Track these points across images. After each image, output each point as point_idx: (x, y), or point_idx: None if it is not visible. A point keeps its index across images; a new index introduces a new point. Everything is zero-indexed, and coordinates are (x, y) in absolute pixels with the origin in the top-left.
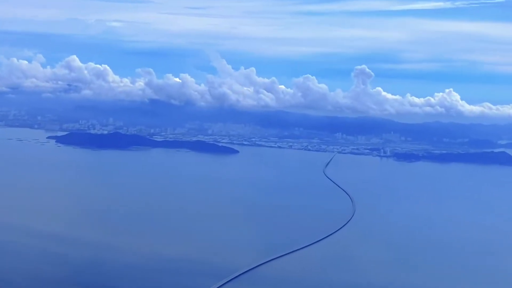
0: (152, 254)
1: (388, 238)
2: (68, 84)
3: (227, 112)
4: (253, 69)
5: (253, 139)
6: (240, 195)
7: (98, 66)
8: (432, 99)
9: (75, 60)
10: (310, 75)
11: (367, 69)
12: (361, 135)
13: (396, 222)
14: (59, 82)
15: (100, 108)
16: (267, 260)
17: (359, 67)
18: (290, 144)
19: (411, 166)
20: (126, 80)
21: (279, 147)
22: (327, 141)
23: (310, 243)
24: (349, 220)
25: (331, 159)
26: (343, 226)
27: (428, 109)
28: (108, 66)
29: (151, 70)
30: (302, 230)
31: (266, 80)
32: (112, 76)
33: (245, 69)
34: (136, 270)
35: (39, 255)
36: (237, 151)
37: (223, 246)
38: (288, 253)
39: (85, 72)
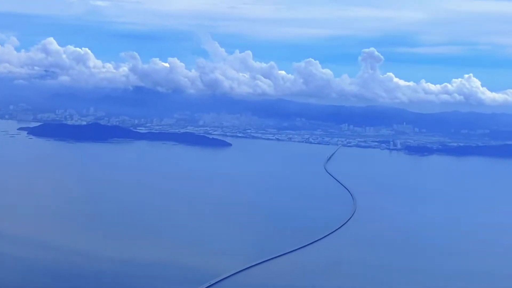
0: (126, 258)
1: (387, 241)
2: (44, 70)
3: (219, 101)
4: (249, 52)
5: (249, 130)
6: (230, 193)
7: (78, 49)
8: (449, 86)
9: (52, 43)
10: (313, 59)
11: (376, 52)
12: (369, 126)
13: (401, 223)
14: (35, 68)
15: (79, 97)
16: (251, 264)
17: (367, 50)
18: (290, 136)
19: (424, 160)
20: (109, 66)
21: (277, 139)
22: (331, 132)
23: (298, 248)
24: (346, 221)
25: (333, 153)
26: (338, 228)
27: (445, 97)
28: (89, 49)
29: (135, 54)
30: (293, 232)
31: (263, 65)
32: (93, 61)
33: (240, 52)
34: (106, 276)
35: None
36: (229, 144)
37: (206, 249)
38: (270, 259)
39: (64, 56)
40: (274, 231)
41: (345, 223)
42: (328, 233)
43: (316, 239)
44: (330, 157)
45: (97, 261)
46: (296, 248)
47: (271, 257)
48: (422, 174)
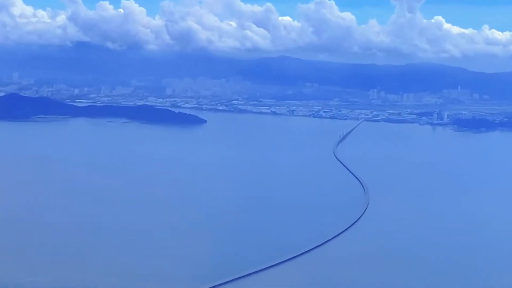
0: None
1: (400, 244)
2: None
3: (194, 61)
4: None
5: (235, 101)
6: (195, 190)
7: None
8: None
9: None
10: None
11: None
12: (407, 92)
13: (431, 224)
14: None
15: None
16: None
17: None
18: (293, 108)
19: (480, 139)
20: (42, 14)
21: (274, 113)
22: (353, 102)
23: (290, 258)
24: (354, 222)
25: (350, 131)
26: (341, 232)
27: None
28: None
29: None
30: (285, 239)
31: (257, 8)
32: (20, 8)
33: None
34: None
35: None
36: (203, 121)
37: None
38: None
39: None
40: (247, 244)
41: (345, 230)
42: (323, 241)
43: (311, 248)
44: (343, 137)
45: None
46: (288, 258)
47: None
48: (478, 158)
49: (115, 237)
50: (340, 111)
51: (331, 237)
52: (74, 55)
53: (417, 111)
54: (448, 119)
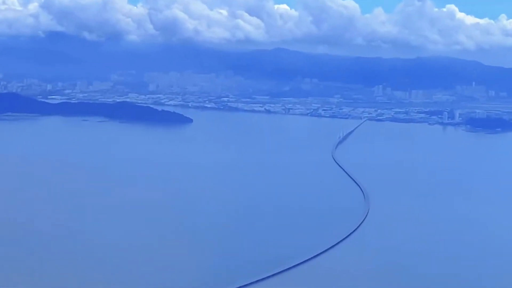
0: None
1: (403, 259)
2: None
3: (181, 53)
4: None
5: (225, 98)
6: (179, 196)
7: None
8: None
9: None
10: None
11: None
12: (416, 89)
13: (438, 236)
14: None
15: None
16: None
17: None
18: (290, 106)
19: (496, 140)
20: (12, 1)
21: (268, 111)
22: (356, 99)
23: (280, 271)
24: (351, 232)
25: (351, 132)
26: (337, 243)
27: None
28: None
29: None
30: (277, 249)
31: None
32: None
33: None
34: None
35: None
36: (189, 120)
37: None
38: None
39: None
40: (228, 259)
41: (341, 241)
42: (316, 254)
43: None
44: (344, 138)
45: None
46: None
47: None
48: (491, 163)
49: (86, 245)
50: (341, 109)
51: (326, 248)
52: (47, 47)
53: (426, 110)
54: (460, 119)
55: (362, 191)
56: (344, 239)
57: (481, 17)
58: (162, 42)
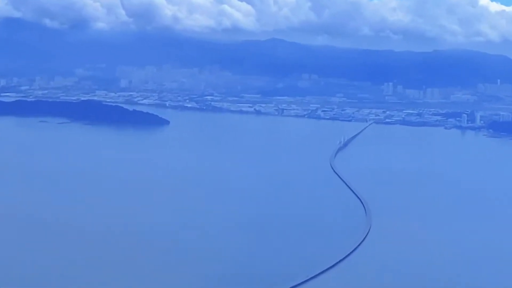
0: None
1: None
2: None
3: (158, 44)
4: None
5: (209, 97)
6: (152, 209)
7: None
8: None
9: None
10: None
11: None
12: (429, 86)
13: (452, 258)
14: None
15: None
16: None
17: None
18: (284, 106)
19: None
20: None
21: (259, 112)
22: (361, 99)
23: None
24: (350, 253)
25: (354, 136)
26: (333, 265)
27: None
28: None
29: None
30: (265, 269)
31: None
32: None
33: None
34: None
35: None
36: (166, 122)
37: None
38: None
39: None
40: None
41: (338, 262)
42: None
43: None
44: (345, 144)
45: None
46: None
47: None
48: None
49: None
50: (343, 110)
51: (319, 271)
52: (1, 36)
53: (443, 111)
54: (482, 122)
55: (363, 205)
56: (340, 261)
57: (507, 4)
58: (136, 31)
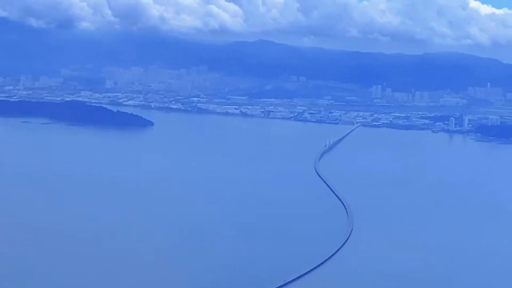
0: None
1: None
2: None
3: (143, 44)
4: None
5: (196, 98)
6: (135, 213)
7: None
8: None
9: None
10: None
11: None
12: (420, 90)
13: (436, 264)
14: None
15: None
16: None
17: None
18: (270, 108)
19: (511, 151)
20: None
21: (245, 114)
22: (349, 102)
23: None
24: (330, 257)
25: (340, 140)
26: (311, 270)
27: None
28: None
29: None
30: (245, 274)
31: None
32: None
33: None
34: None
35: None
36: (150, 123)
37: None
38: None
39: None
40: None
41: (317, 266)
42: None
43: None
44: (331, 147)
45: None
46: None
47: None
48: (505, 178)
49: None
50: (330, 113)
51: (301, 273)
52: None
53: (431, 115)
54: (470, 125)
55: (345, 208)
56: (321, 263)
57: (498, 7)
58: (122, 31)
